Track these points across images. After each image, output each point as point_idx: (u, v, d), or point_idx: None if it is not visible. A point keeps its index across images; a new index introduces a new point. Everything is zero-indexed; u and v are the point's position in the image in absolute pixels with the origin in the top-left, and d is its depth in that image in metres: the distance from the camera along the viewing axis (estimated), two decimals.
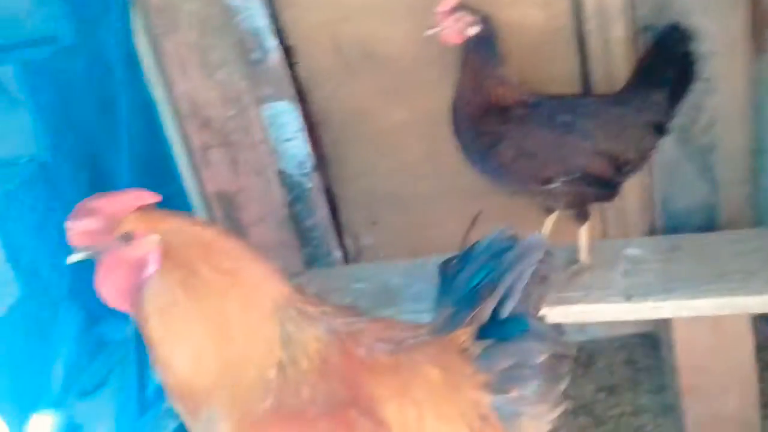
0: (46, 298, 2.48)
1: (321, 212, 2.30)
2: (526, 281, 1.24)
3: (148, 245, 1.17)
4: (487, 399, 1.26)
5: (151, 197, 1.20)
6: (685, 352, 1.74)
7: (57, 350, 2.54)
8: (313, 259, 2.32)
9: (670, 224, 1.99)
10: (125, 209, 1.17)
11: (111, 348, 2.70)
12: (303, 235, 2.30)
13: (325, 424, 1.21)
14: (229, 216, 2.23)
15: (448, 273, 1.37)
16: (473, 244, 1.36)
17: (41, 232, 2.51)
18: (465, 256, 1.35)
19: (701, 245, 1.82)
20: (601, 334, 2.22)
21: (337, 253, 2.35)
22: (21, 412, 2.24)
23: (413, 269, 1.98)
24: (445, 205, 2.21)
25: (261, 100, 2.13)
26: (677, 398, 1.82)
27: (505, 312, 1.26)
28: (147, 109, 2.31)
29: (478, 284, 1.29)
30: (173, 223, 1.22)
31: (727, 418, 1.75)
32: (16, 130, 2.59)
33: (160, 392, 2.32)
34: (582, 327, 2.20)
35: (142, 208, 1.19)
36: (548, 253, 1.31)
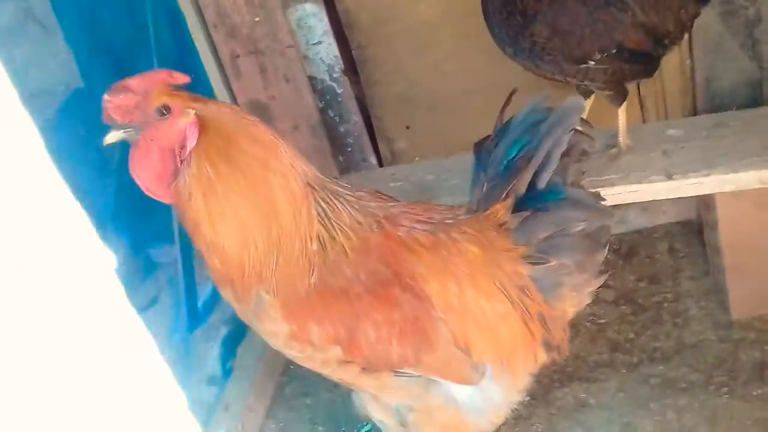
0: (93, 223, 2.55)
1: (354, 118, 2.28)
2: (564, 148, 1.23)
3: (185, 118, 1.17)
4: (525, 270, 1.27)
5: (181, 77, 1.21)
6: (728, 230, 1.71)
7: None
8: (348, 166, 2.32)
9: (713, 105, 1.92)
10: (159, 85, 1.17)
11: (159, 269, 2.78)
12: (337, 141, 2.30)
13: (368, 298, 1.24)
14: None
15: (483, 151, 1.37)
16: (508, 120, 1.34)
17: (83, 157, 2.55)
18: (500, 132, 1.33)
19: (745, 121, 1.76)
20: (642, 224, 2.19)
21: (372, 159, 2.35)
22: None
23: (449, 165, 1.97)
24: (478, 104, 2.17)
25: (287, 3, 2.10)
26: (721, 279, 1.81)
27: (543, 182, 1.25)
28: (175, 23, 2.29)
29: (514, 157, 1.28)
30: (205, 101, 1.23)
31: None
32: (51, 59, 2.61)
33: (208, 307, 2.41)
34: (623, 218, 2.17)
35: (174, 87, 1.19)
36: (585, 121, 1.29)
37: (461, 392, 1.29)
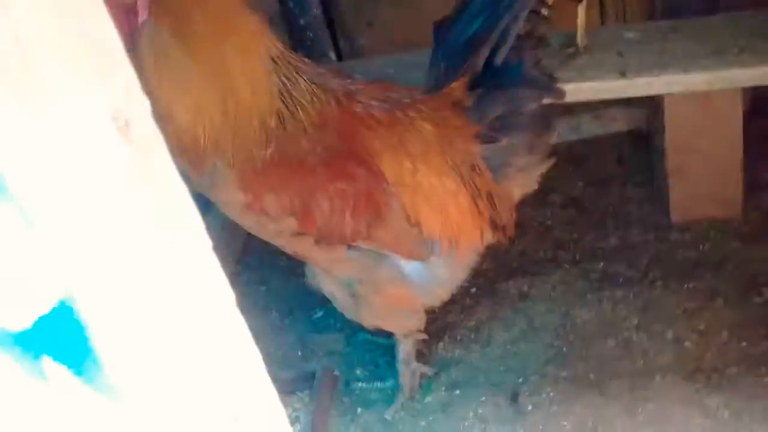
0: None
1: (314, 11, 2.23)
2: (521, 22, 1.23)
3: None
4: (477, 149, 1.30)
5: None
6: (674, 133, 1.76)
7: None
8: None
9: (670, 10, 1.95)
10: None
11: None
12: (296, 35, 2.25)
13: (324, 171, 1.26)
14: None
15: (442, 31, 1.37)
16: None
17: None
18: (459, 10, 1.33)
19: (700, 26, 1.78)
20: (593, 132, 2.23)
21: (332, 55, 2.32)
22: None
23: (409, 60, 1.95)
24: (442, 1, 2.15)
25: None
26: (663, 183, 1.88)
27: (499, 59, 1.26)
28: None
29: (473, 35, 1.29)
30: None
31: (711, 197, 1.81)
32: None
33: None
34: (575, 126, 2.21)
35: None
36: (543, 1, 1.29)
37: (410, 267, 1.33)
